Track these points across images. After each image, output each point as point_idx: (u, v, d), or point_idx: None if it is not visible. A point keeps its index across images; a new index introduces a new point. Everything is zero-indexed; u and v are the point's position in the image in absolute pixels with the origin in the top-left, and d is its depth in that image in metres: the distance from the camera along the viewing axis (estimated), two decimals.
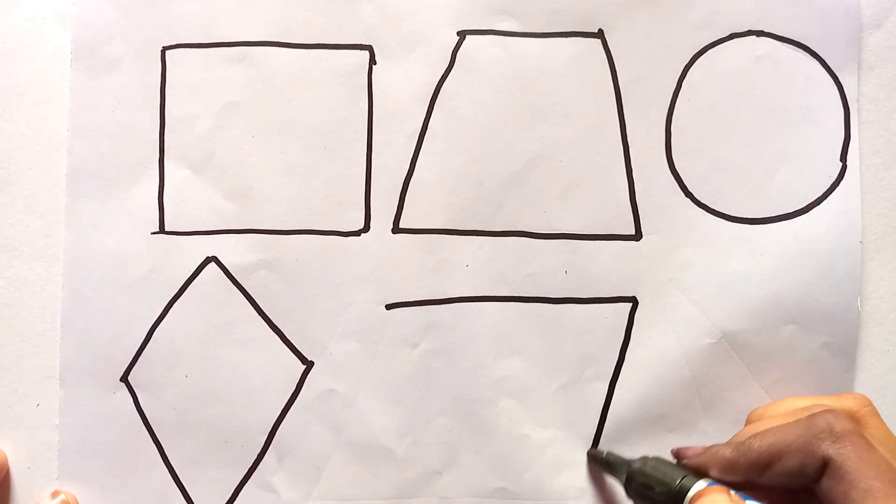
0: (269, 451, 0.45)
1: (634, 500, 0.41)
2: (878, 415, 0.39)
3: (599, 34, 0.45)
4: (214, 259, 0.45)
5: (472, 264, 0.45)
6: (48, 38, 0.45)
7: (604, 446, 0.44)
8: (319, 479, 0.45)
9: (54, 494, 0.44)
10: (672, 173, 0.45)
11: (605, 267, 0.45)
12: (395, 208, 0.45)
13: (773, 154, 0.44)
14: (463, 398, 0.45)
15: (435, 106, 0.45)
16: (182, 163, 0.45)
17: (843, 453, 0.34)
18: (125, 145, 0.45)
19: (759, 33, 0.44)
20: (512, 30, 0.45)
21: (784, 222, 0.44)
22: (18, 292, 0.45)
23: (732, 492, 0.37)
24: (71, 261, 0.45)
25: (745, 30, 0.45)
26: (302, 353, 0.45)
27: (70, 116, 0.45)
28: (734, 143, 0.45)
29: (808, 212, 0.44)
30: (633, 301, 0.45)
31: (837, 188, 0.44)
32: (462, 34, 0.45)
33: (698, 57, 0.45)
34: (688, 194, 0.45)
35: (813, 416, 0.36)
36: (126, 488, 0.45)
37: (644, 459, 0.41)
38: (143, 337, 0.45)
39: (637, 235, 0.45)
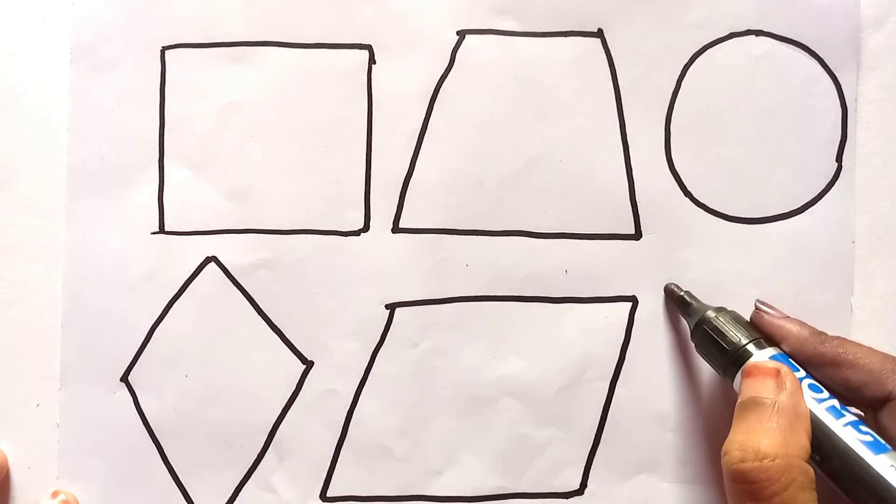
0: (270, 451, 0.45)
1: (697, 347, 0.42)
2: None
3: (599, 34, 0.45)
4: (214, 259, 0.45)
5: (472, 264, 0.45)
6: (47, 38, 0.45)
7: (607, 440, 0.44)
8: (320, 479, 0.45)
9: (54, 494, 0.44)
10: (671, 173, 0.45)
11: (605, 266, 0.45)
12: (395, 208, 0.45)
13: (771, 154, 0.45)
14: (463, 397, 0.45)
15: (435, 105, 0.45)
16: (182, 163, 0.45)
17: None
18: (125, 145, 0.45)
19: (759, 33, 0.45)
20: (511, 29, 0.45)
21: (780, 222, 0.44)
22: (18, 292, 0.45)
23: (801, 372, 0.38)
24: (71, 261, 0.45)
25: (745, 29, 0.45)
26: (302, 352, 0.45)
27: (69, 117, 0.45)
28: (733, 143, 0.45)
29: (803, 212, 0.44)
30: (634, 300, 0.45)
31: (832, 188, 0.44)
32: (462, 34, 0.45)
33: (697, 56, 0.45)
34: (687, 194, 0.45)
35: (893, 355, 0.38)
36: (126, 488, 0.45)
37: (720, 310, 0.41)
38: (144, 337, 0.45)
39: (637, 235, 0.45)
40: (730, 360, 0.39)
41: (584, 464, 0.45)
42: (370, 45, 0.45)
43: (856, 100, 0.44)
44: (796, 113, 0.44)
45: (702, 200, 0.45)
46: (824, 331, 0.40)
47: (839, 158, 0.44)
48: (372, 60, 0.45)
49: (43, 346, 0.45)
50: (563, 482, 0.45)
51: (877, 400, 0.37)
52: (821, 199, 0.44)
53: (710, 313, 0.41)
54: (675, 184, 0.45)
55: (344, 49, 0.45)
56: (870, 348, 0.39)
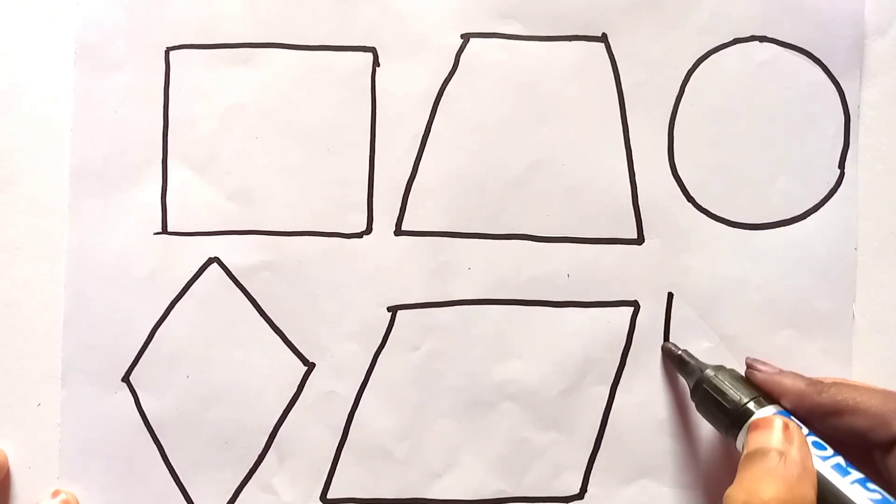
0: (270, 453, 0.45)
1: (697, 406, 0.41)
2: None
3: (603, 38, 0.45)
4: (217, 260, 0.45)
5: (474, 267, 0.45)
6: (51, 38, 0.45)
7: (608, 445, 0.44)
8: (320, 480, 0.45)
9: (55, 494, 0.44)
10: (674, 178, 0.45)
11: (607, 271, 0.45)
12: (398, 211, 0.45)
13: (774, 160, 0.45)
14: (464, 401, 0.45)
15: (438, 108, 0.45)
16: (185, 163, 0.45)
17: None
18: (128, 146, 0.45)
19: (763, 39, 0.45)
20: (516, 33, 0.45)
21: (783, 228, 0.45)
22: (20, 292, 0.45)
23: (804, 429, 0.37)
24: (74, 261, 0.45)
25: (749, 35, 0.45)
26: (303, 354, 0.45)
27: (73, 117, 0.45)
28: (736, 149, 0.45)
29: (805, 218, 0.44)
30: (635, 305, 0.45)
31: (835, 195, 0.44)
32: (466, 37, 0.45)
33: (701, 62, 0.45)
34: (689, 199, 0.45)
35: (893, 391, 0.37)
36: (126, 488, 0.45)
37: (718, 368, 0.41)
38: (145, 337, 0.45)
39: (639, 239, 0.45)
40: (732, 420, 0.39)
41: (584, 468, 0.45)
42: (374, 48, 0.45)
43: (858, 106, 0.44)
44: (799, 119, 0.44)
45: (704, 206, 0.45)
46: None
47: (842, 165, 0.44)
48: (376, 63, 0.45)
49: (44, 346, 0.45)
50: (564, 486, 0.45)
51: (884, 443, 0.37)
52: (823, 205, 0.44)
53: (710, 372, 0.41)
54: (678, 189, 0.45)
55: (348, 51, 0.45)
56: (868, 388, 0.38)
